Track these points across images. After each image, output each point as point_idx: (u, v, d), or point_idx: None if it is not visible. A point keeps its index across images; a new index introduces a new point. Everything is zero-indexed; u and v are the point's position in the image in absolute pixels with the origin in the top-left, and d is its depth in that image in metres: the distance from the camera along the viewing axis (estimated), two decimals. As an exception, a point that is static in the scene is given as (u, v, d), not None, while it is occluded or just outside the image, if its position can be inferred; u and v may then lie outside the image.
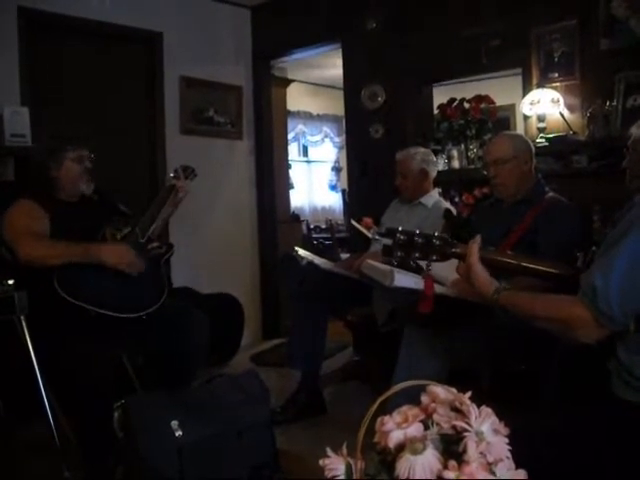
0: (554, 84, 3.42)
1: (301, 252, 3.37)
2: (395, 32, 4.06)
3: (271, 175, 4.98)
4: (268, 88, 4.99)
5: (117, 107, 4.03)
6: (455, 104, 3.89)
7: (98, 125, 3.80)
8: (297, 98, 7.33)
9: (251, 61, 4.86)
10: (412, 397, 0.91)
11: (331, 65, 6.22)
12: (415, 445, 0.80)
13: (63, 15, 3.68)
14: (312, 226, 7.26)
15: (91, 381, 2.24)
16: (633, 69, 3.12)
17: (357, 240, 3.97)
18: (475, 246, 1.55)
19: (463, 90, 4.06)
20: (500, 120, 4.14)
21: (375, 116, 4.22)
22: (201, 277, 4.22)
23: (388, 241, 1.56)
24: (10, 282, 2.30)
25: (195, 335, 2.55)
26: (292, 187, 6.87)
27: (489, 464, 0.80)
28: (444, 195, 3.60)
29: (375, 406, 0.86)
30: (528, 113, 3.49)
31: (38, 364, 2.31)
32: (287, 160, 5.63)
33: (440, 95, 4.19)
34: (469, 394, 0.88)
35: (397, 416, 0.87)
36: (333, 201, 8.46)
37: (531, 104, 3.41)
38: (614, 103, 3.16)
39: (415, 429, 0.84)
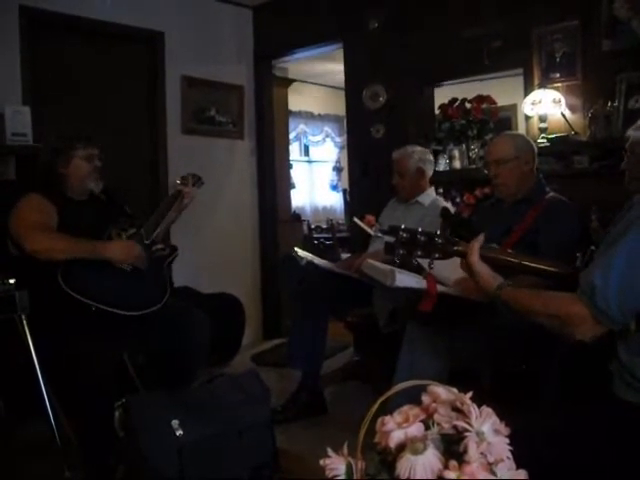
0: (556, 84, 3.41)
1: (300, 252, 3.37)
2: (397, 32, 4.06)
3: (272, 175, 4.98)
4: (269, 88, 4.99)
5: (118, 106, 4.03)
6: (456, 104, 3.89)
7: (99, 124, 3.79)
8: (298, 98, 7.34)
9: (252, 61, 4.86)
10: (413, 397, 0.91)
11: (333, 65, 6.22)
12: (416, 445, 0.80)
13: (64, 14, 3.68)
14: (313, 226, 7.26)
15: (92, 380, 2.25)
16: (635, 70, 3.12)
17: (358, 238, 3.97)
18: (476, 244, 1.56)
19: (464, 90, 4.05)
20: (501, 120, 4.14)
21: (376, 116, 4.22)
22: (202, 277, 4.22)
23: (390, 239, 1.57)
24: (11, 281, 2.30)
25: (196, 335, 2.55)
26: (293, 187, 6.88)
27: (490, 464, 0.80)
28: (445, 195, 3.60)
29: (376, 406, 0.86)
30: (529, 113, 3.49)
31: (39, 363, 2.31)
32: (288, 160, 5.63)
33: (441, 95, 4.19)
34: (470, 394, 0.88)
35: (398, 416, 0.87)
36: (334, 201, 8.46)
37: (533, 104, 3.41)
38: (616, 104, 3.16)
39: (416, 429, 0.84)
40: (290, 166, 5.92)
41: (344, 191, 6.52)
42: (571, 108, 3.38)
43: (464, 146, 3.83)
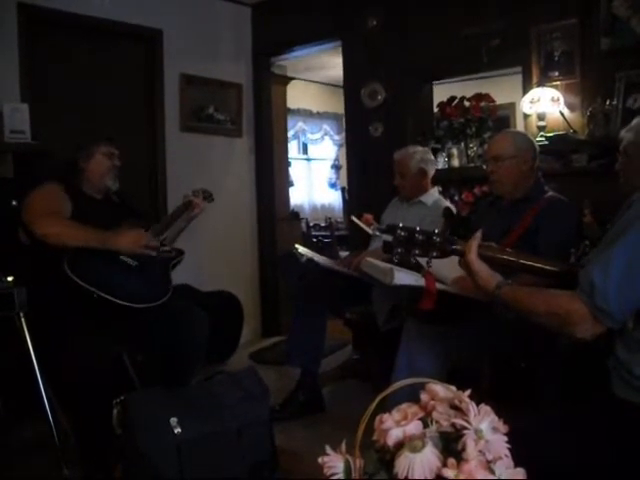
0: (554, 83, 3.41)
1: (301, 249, 3.37)
2: (395, 30, 4.05)
3: (271, 173, 4.98)
4: (268, 86, 4.98)
5: (117, 104, 4.02)
6: (455, 102, 3.89)
7: (98, 122, 3.79)
8: (297, 96, 7.32)
9: (251, 59, 4.85)
10: (411, 395, 0.91)
11: (331, 63, 6.22)
12: (414, 443, 0.81)
13: (63, 12, 3.67)
14: (312, 224, 7.26)
15: (91, 378, 2.24)
16: (633, 68, 3.12)
17: (357, 236, 3.97)
18: (474, 243, 1.55)
19: (463, 88, 4.05)
20: (500, 119, 4.13)
21: (375, 114, 4.22)
22: (200, 275, 4.21)
23: (388, 237, 1.57)
24: (9, 278, 2.30)
25: (194, 333, 2.55)
26: (292, 185, 6.87)
27: (488, 462, 0.80)
28: (444, 193, 3.60)
29: (374, 404, 0.86)
30: (528, 112, 3.49)
31: (37, 361, 2.31)
32: (287, 158, 5.62)
33: (440, 93, 4.19)
34: (468, 392, 0.88)
35: (396, 414, 0.87)
36: (333, 199, 8.46)
37: (531, 103, 3.41)
38: (614, 102, 3.16)
39: (414, 427, 0.84)
40: (289, 164, 5.91)
41: (343, 189, 6.51)
42: (570, 106, 3.38)
43: (463, 144, 3.83)
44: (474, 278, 1.56)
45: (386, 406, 0.88)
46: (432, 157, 3.39)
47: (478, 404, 0.85)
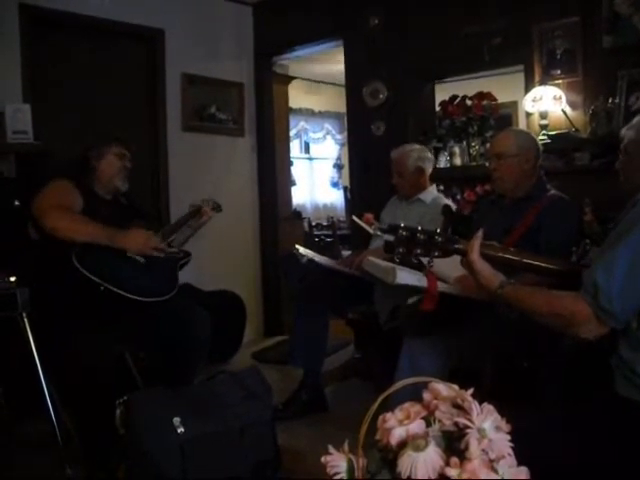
0: (556, 81, 3.41)
1: (301, 250, 3.37)
2: (397, 29, 4.05)
3: (273, 172, 4.98)
4: (270, 85, 4.98)
5: (119, 104, 4.02)
6: (457, 101, 3.88)
7: (100, 122, 3.79)
8: (299, 95, 7.33)
9: (253, 58, 4.85)
10: (414, 394, 0.91)
11: (333, 62, 6.21)
12: (417, 442, 0.81)
13: (64, 12, 3.67)
14: (314, 223, 7.25)
15: (93, 378, 2.25)
16: (636, 66, 3.11)
17: (359, 236, 3.97)
18: (476, 242, 1.55)
19: (465, 87, 4.05)
20: (502, 117, 4.13)
21: (377, 113, 4.21)
22: (203, 274, 4.21)
23: (390, 237, 1.56)
24: (12, 279, 2.30)
25: (197, 332, 2.56)
26: (294, 184, 6.87)
27: (491, 461, 0.80)
28: (446, 192, 3.59)
29: (377, 403, 0.86)
30: (530, 110, 3.48)
31: (40, 361, 2.32)
32: (289, 157, 5.62)
33: (442, 92, 4.18)
34: (471, 391, 0.88)
35: (399, 413, 0.87)
36: (335, 198, 8.46)
37: (533, 101, 3.41)
38: (616, 100, 3.15)
39: (417, 426, 0.84)
40: (291, 163, 5.91)
41: (345, 188, 6.52)
42: (572, 105, 3.37)
43: (465, 143, 3.83)
44: (476, 277, 1.56)
45: (389, 405, 0.88)
46: (429, 155, 3.38)
47: (480, 403, 0.85)
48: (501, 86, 4.19)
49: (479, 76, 4.13)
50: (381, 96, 4.18)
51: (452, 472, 0.78)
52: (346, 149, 4.92)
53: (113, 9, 3.88)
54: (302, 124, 8.11)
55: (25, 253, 2.65)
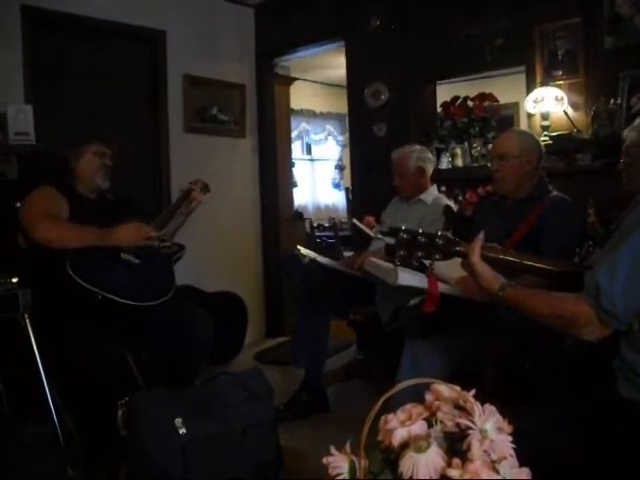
0: (558, 82, 3.41)
1: (303, 250, 3.37)
2: (398, 30, 4.05)
3: (274, 173, 4.98)
4: (271, 86, 4.99)
5: (120, 105, 4.03)
6: (459, 102, 3.89)
7: (101, 123, 3.79)
8: (300, 96, 7.32)
9: (254, 59, 4.85)
10: (416, 395, 0.91)
11: (334, 63, 6.21)
12: (419, 443, 0.81)
13: (66, 13, 3.68)
14: (315, 224, 7.24)
15: (95, 379, 2.25)
16: (637, 67, 3.11)
17: (361, 237, 3.96)
18: (477, 244, 1.55)
19: (467, 88, 4.05)
20: (504, 118, 4.13)
21: (378, 114, 4.22)
22: (204, 275, 4.22)
23: (390, 240, 1.56)
24: (14, 280, 2.31)
25: (198, 333, 2.56)
26: (295, 185, 6.86)
27: (493, 462, 0.80)
28: (448, 193, 3.59)
29: (379, 404, 0.86)
30: (532, 111, 3.49)
31: (42, 362, 2.32)
32: (290, 158, 5.62)
33: (443, 93, 4.18)
34: (473, 392, 0.88)
35: (401, 414, 0.87)
36: (336, 199, 8.45)
37: (535, 102, 3.41)
38: (618, 101, 3.15)
39: (419, 427, 0.84)
40: (292, 164, 5.91)
41: (346, 189, 6.50)
42: (573, 106, 3.38)
43: (466, 144, 3.83)
44: (477, 280, 1.56)
45: (391, 406, 0.87)
46: (430, 155, 3.37)
47: (482, 404, 0.85)
48: (503, 87, 4.19)
49: (481, 77, 4.12)
50: (382, 97, 4.19)
51: (454, 473, 0.78)
52: (348, 150, 4.91)
53: (115, 10, 3.89)
54: (304, 125, 8.11)
55: (20, 259, 2.63)
